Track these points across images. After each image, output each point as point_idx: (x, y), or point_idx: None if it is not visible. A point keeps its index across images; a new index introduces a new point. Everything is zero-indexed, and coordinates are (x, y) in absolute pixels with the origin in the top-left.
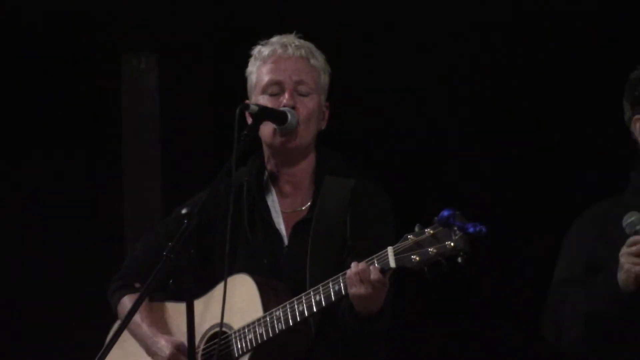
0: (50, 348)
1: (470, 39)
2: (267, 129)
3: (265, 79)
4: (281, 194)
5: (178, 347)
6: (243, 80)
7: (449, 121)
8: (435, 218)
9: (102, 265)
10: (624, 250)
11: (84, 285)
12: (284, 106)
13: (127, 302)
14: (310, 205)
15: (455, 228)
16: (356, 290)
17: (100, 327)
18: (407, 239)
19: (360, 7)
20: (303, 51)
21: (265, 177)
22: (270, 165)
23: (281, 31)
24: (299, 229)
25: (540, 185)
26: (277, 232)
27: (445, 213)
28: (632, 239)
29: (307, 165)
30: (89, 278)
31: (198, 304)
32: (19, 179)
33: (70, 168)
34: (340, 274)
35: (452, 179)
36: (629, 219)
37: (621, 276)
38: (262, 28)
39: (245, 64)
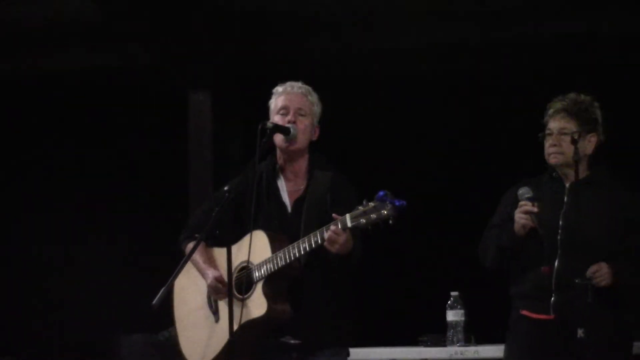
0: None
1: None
2: (278, 138)
3: (279, 104)
4: (287, 180)
5: (219, 276)
6: (267, 109)
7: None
8: (375, 195)
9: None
10: (517, 209)
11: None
12: (289, 122)
13: (190, 245)
14: (304, 188)
15: (387, 202)
16: (330, 246)
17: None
18: (358, 209)
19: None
20: (304, 90)
21: (277, 169)
22: (280, 162)
23: (292, 79)
24: (297, 203)
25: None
26: (283, 204)
27: (381, 193)
28: (520, 202)
29: (303, 163)
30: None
31: (233, 248)
32: (116, 181)
33: (154, 166)
34: (319, 230)
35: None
36: (520, 190)
37: (515, 225)
38: (280, 77)
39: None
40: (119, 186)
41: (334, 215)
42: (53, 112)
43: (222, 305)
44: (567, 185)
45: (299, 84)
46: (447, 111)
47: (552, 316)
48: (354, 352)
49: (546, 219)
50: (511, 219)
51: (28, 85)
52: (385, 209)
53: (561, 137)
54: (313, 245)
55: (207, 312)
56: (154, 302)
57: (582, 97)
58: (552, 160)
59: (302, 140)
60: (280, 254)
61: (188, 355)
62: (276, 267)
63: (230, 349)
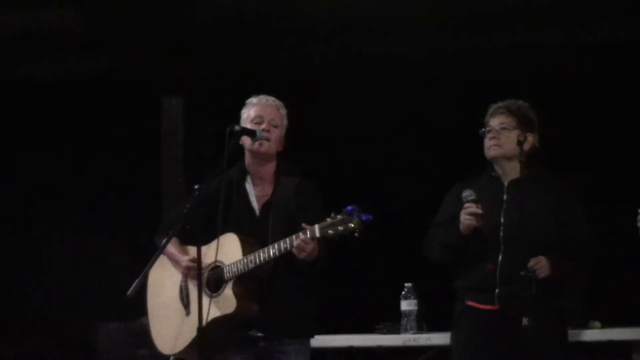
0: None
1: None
2: (248, 142)
3: (253, 114)
4: (255, 185)
5: (193, 258)
6: (239, 116)
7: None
8: (343, 209)
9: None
10: (462, 210)
11: (138, 239)
12: (262, 130)
13: (164, 240)
14: (272, 193)
15: (355, 215)
16: (298, 253)
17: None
18: (327, 220)
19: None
20: (277, 103)
21: (246, 174)
22: (249, 167)
23: (260, 86)
24: (265, 207)
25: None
26: (252, 208)
27: (349, 207)
28: (465, 204)
29: (270, 168)
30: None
31: (205, 248)
32: (87, 181)
33: (132, 166)
34: (288, 237)
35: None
36: (464, 193)
37: (460, 226)
38: (249, 84)
39: (240, 107)
40: (96, 183)
41: (303, 225)
42: (35, 114)
43: (193, 300)
44: (506, 183)
45: (272, 97)
46: (397, 109)
47: (496, 306)
48: (315, 339)
49: (488, 217)
50: (455, 218)
51: (12, 90)
52: (353, 222)
53: (500, 132)
54: (282, 251)
55: (178, 305)
56: (128, 292)
57: (521, 101)
58: (492, 153)
59: (272, 147)
60: (251, 256)
61: (159, 345)
62: (246, 269)
63: (199, 341)
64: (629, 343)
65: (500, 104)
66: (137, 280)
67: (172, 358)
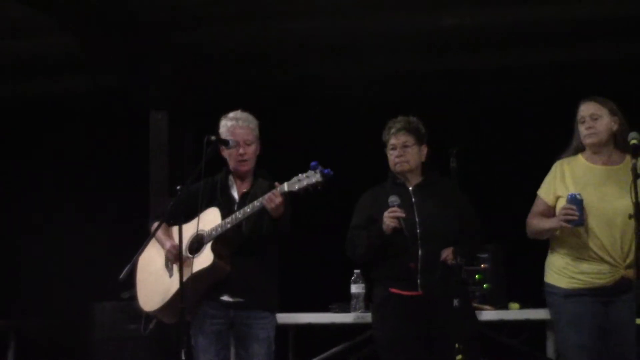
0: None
1: None
2: (232, 161)
3: (229, 135)
4: (237, 184)
5: (175, 245)
6: (217, 128)
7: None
8: (310, 165)
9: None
10: (385, 213)
11: (129, 228)
12: (240, 154)
13: (155, 224)
14: (249, 188)
15: (318, 170)
16: (268, 204)
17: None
18: (294, 178)
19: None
20: (247, 122)
21: (229, 176)
22: (231, 169)
23: (234, 103)
24: (243, 195)
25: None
26: (233, 197)
27: (313, 163)
28: (391, 208)
29: (249, 172)
30: (133, 224)
31: (190, 224)
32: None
33: (122, 171)
34: (260, 197)
35: None
36: (390, 198)
37: (384, 226)
38: (226, 101)
39: (217, 120)
40: (94, 185)
41: (275, 183)
42: (37, 128)
43: (177, 266)
44: (411, 188)
45: (243, 115)
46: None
47: (420, 292)
48: (279, 317)
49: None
50: (374, 220)
51: (14, 107)
52: (316, 177)
53: (405, 149)
54: (255, 209)
55: (163, 272)
56: (120, 276)
57: (412, 118)
58: (399, 168)
59: (250, 162)
60: (228, 219)
61: (142, 304)
62: (224, 229)
63: (180, 296)
64: (544, 322)
65: (398, 124)
66: (128, 265)
67: (153, 321)
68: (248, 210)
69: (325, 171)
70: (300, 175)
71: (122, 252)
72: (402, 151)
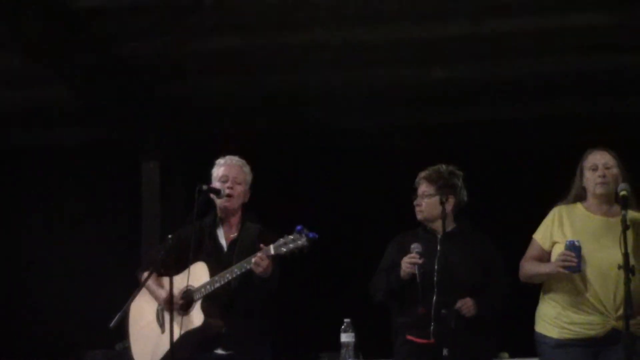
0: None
1: None
2: (218, 200)
3: (220, 174)
4: (224, 230)
5: (169, 296)
6: (209, 176)
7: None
8: (294, 229)
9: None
10: (404, 259)
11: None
12: (228, 188)
13: (145, 274)
14: (237, 234)
15: (303, 234)
16: (255, 268)
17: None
18: (280, 240)
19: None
20: (240, 163)
21: (217, 221)
22: (220, 215)
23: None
24: (232, 243)
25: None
26: (221, 245)
27: (298, 227)
28: (410, 254)
29: (237, 217)
30: (126, 271)
31: (178, 277)
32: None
33: (115, 218)
34: (248, 258)
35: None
36: (413, 245)
37: (401, 271)
38: (215, 151)
39: (206, 170)
40: (87, 235)
41: (261, 245)
42: (28, 179)
43: (167, 320)
44: (439, 236)
45: (237, 157)
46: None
47: (432, 340)
48: None
49: (424, 265)
50: (396, 264)
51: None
52: (301, 240)
53: (422, 198)
54: (243, 270)
55: (155, 326)
56: (111, 324)
57: (444, 167)
58: (418, 216)
59: (237, 202)
60: (217, 278)
61: (138, 359)
62: (213, 288)
63: (172, 354)
64: None
65: (424, 173)
66: (119, 313)
67: None
68: (237, 271)
69: (310, 235)
70: (286, 237)
71: (114, 300)
72: (420, 201)
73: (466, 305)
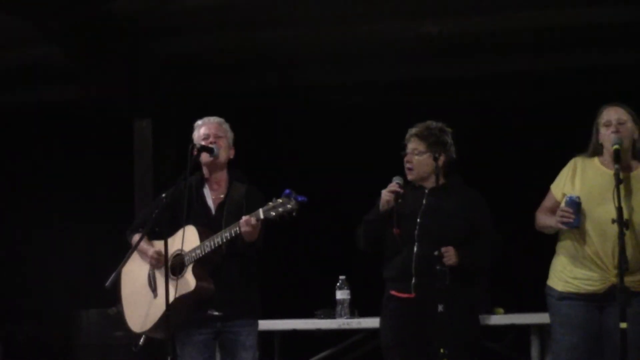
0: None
1: None
2: (204, 156)
3: (202, 133)
4: (211, 189)
5: (159, 250)
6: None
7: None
8: (283, 193)
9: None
10: (383, 190)
11: (115, 235)
12: (211, 143)
13: (136, 237)
14: (225, 195)
15: (292, 197)
16: (244, 229)
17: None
18: (269, 204)
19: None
20: (218, 120)
21: (204, 182)
22: (206, 175)
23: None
24: (219, 206)
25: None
26: (209, 207)
27: (287, 191)
28: (390, 184)
29: (223, 176)
30: (119, 231)
31: (169, 240)
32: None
33: (108, 176)
34: (236, 222)
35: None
36: (395, 177)
37: (380, 201)
38: (207, 108)
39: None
40: (79, 194)
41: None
42: (20, 137)
43: (160, 284)
44: (427, 191)
45: (214, 117)
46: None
47: (412, 295)
48: (262, 323)
49: (406, 216)
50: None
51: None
52: (290, 204)
53: (412, 157)
54: (233, 234)
55: (147, 290)
56: (106, 284)
57: (434, 124)
58: (409, 176)
59: (222, 156)
60: (207, 242)
61: (131, 325)
62: (203, 253)
63: (165, 318)
64: (528, 326)
65: (414, 130)
66: (113, 274)
67: (143, 337)
68: (227, 235)
69: (299, 198)
70: (275, 201)
71: (108, 259)
72: (410, 158)
73: (448, 253)
